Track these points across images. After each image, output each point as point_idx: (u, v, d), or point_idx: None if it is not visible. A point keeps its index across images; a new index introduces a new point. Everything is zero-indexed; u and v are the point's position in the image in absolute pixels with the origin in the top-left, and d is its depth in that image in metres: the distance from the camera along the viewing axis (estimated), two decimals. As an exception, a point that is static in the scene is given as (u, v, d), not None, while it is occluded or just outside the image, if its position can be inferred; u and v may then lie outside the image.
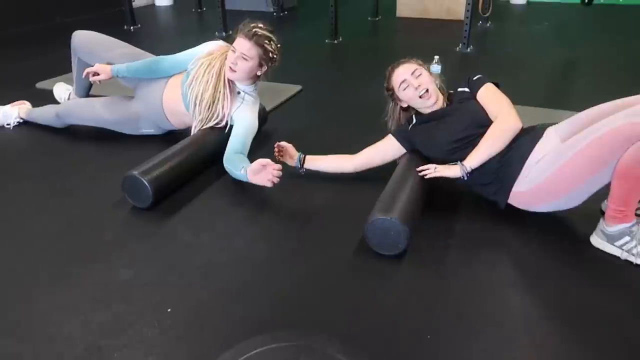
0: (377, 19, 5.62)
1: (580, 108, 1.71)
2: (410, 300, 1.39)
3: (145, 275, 1.50)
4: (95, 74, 2.30)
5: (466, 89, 1.88)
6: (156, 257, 1.58)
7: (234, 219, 1.80)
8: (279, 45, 2.14)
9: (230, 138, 2.08)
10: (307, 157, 1.99)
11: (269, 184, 1.75)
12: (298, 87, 3.21)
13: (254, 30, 2.04)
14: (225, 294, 1.43)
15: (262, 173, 1.77)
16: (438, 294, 1.42)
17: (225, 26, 4.88)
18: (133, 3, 5.33)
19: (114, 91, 2.52)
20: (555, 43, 4.43)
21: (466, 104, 1.81)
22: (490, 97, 1.78)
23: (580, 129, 1.58)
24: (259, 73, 2.14)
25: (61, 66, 3.21)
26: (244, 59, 2.04)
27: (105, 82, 2.32)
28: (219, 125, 2.17)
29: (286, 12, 6.08)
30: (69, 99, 2.69)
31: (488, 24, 5.09)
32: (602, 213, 1.58)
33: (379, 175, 1.94)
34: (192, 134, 2.19)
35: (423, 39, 4.76)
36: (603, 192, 1.54)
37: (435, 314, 1.34)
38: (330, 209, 1.85)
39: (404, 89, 1.85)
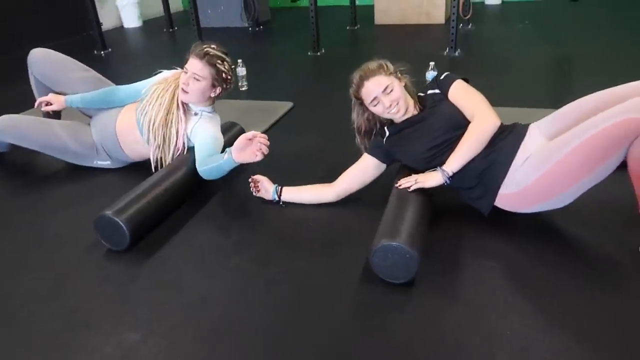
0: (356, 27, 5.51)
1: None
2: (425, 336, 1.25)
3: (131, 342, 1.30)
4: (48, 103, 2.19)
5: (436, 91, 1.78)
6: (143, 312, 1.38)
7: (221, 254, 1.64)
8: (232, 67, 2.06)
9: (196, 148, 1.94)
10: (284, 188, 1.86)
11: (258, 157, 1.66)
12: (290, 104, 3.04)
13: (205, 49, 1.95)
14: (220, 339, 1.27)
15: (249, 148, 1.68)
16: (453, 323, 1.28)
17: (202, 45, 4.69)
18: (102, 27, 5.10)
19: (72, 117, 2.35)
20: (539, 41, 4.38)
21: (439, 106, 1.72)
22: (462, 95, 1.70)
23: (565, 124, 1.53)
24: (212, 94, 2.04)
25: (25, 101, 2.92)
26: (196, 79, 1.95)
27: (47, 107, 2.21)
28: (178, 152, 2.02)
29: (262, 27, 5.93)
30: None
31: (469, 26, 5.03)
32: None
33: (374, 192, 1.81)
34: (152, 163, 2.04)
35: (407, 45, 4.66)
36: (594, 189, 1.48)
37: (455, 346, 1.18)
38: (326, 234, 1.70)
39: (375, 105, 1.74)
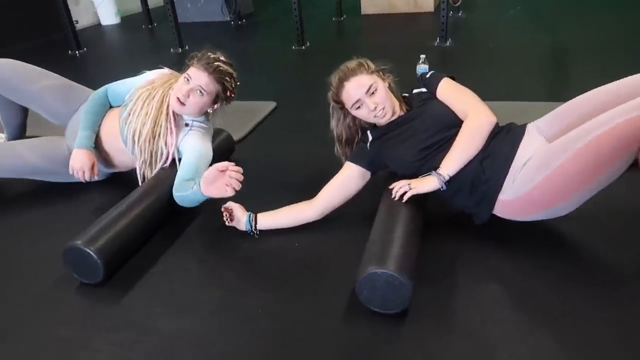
0: (342, 18, 5.31)
1: None
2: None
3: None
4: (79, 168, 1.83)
5: (423, 90, 1.63)
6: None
7: (196, 288, 1.45)
8: (238, 84, 1.84)
9: (181, 166, 1.74)
10: (259, 215, 1.63)
11: (228, 192, 1.44)
12: (272, 104, 2.85)
13: (215, 64, 1.72)
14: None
15: (219, 181, 1.46)
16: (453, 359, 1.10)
17: (181, 41, 4.48)
18: (76, 25, 4.87)
19: (45, 131, 2.11)
20: (532, 27, 4.22)
21: (427, 105, 1.56)
22: (452, 93, 1.55)
23: (566, 124, 1.42)
24: (210, 110, 1.83)
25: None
26: (200, 92, 1.72)
27: (94, 170, 1.85)
28: (165, 165, 1.82)
29: (244, 20, 5.71)
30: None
31: (460, 14, 4.85)
32: None
33: (359, 205, 1.64)
34: (138, 179, 1.84)
35: (395, 35, 4.47)
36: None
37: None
38: (309, 259, 1.52)
39: (357, 108, 1.56)
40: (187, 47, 4.47)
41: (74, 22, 4.79)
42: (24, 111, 2.16)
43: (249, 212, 1.63)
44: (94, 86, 2.04)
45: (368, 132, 1.64)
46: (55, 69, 2.12)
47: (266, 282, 1.44)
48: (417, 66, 2.80)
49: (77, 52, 4.71)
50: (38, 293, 1.47)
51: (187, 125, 1.83)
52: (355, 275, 1.25)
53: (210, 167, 1.49)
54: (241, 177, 1.45)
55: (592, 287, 1.29)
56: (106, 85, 1.95)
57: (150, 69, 1.96)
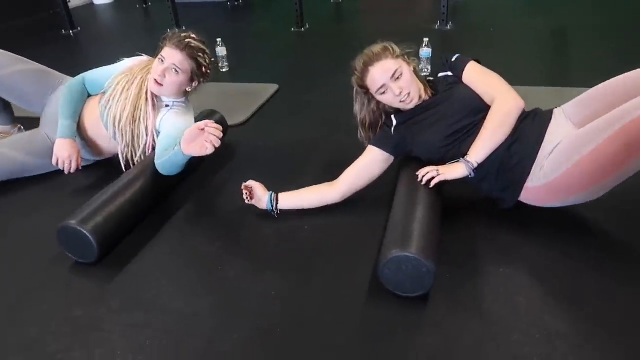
0: (340, 0, 5.25)
1: (583, 83, 1.46)
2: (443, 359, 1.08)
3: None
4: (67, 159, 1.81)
5: (448, 73, 1.61)
6: (119, 336, 1.21)
7: (204, 267, 1.45)
8: (212, 59, 1.85)
9: (159, 140, 1.74)
10: (281, 195, 1.62)
11: (208, 149, 1.43)
12: (275, 87, 2.82)
13: (186, 41, 1.73)
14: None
15: (199, 139, 1.46)
16: (473, 343, 1.11)
17: (178, 22, 4.40)
18: (69, 3, 4.76)
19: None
20: (534, 11, 4.20)
21: (454, 90, 1.54)
22: (479, 77, 1.53)
23: (595, 109, 1.38)
24: (188, 89, 1.83)
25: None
26: (175, 71, 1.73)
27: (78, 160, 1.83)
28: (148, 149, 1.82)
29: (241, 1, 5.62)
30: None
31: (459, -3, 4.82)
32: None
33: (376, 189, 1.63)
34: (121, 163, 1.84)
35: (395, 18, 4.43)
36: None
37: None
38: (325, 241, 1.52)
39: (382, 93, 1.55)
40: (183, 28, 4.39)
41: (67, 1, 4.69)
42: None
43: (271, 192, 1.63)
44: (89, 66, 2.01)
45: (392, 116, 1.62)
46: (49, 48, 2.10)
47: (280, 263, 1.44)
48: (420, 50, 2.79)
49: (70, 31, 4.61)
50: (36, 273, 1.46)
51: (167, 106, 1.83)
52: (380, 254, 1.26)
53: (190, 127, 1.49)
54: (220, 134, 1.44)
55: (611, 275, 1.30)
56: (82, 75, 1.94)
57: (147, 50, 1.96)
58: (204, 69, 1.80)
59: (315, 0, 5.25)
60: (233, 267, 1.43)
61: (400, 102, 1.54)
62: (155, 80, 1.73)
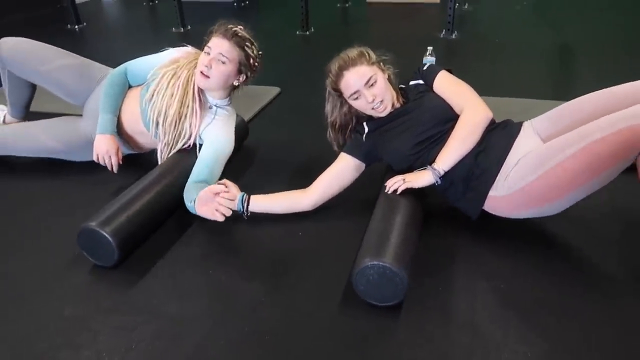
0: (347, 5, 5.25)
1: None
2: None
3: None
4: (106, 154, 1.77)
5: (420, 82, 1.61)
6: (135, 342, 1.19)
7: (197, 271, 1.43)
8: (260, 52, 1.77)
9: (196, 162, 1.70)
10: (252, 197, 1.59)
11: (217, 217, 1.43)
12: (277, 90, 2.82)
13: (233, 30, 1.67)
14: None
15: (211, 204, 1.45)
16: (447, 353, 1.10)
17: (183, 20, 4.40)
18: (76, -1, 4.77)
19: (56, 107, 2.06)
20: (539, 23, 4.19)
21: (424, 98, 1.55)
22: (448, 87, 1.54)
23: (563, 126, 1.42)
24: (235, 83, 1.77)
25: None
26: (221, 61, 1.66)
27: (119, 155, 1.79)
28: (185, 147, 1.78)
29: (247, 2, 5.62)
30: (4, 121, 2.21)
31: (465, 6, 4.81)
32: None
33: (359, 195, 1.62)
34: (159, 161, 1.80)
35: (401, 25, 4.42)
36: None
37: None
38: (309, 247, 1.51)
39: (355, 99, 1.54)
40: (189, 27, 4.40)
41: (74, -4, 4.70)
42: (32, 92, 2.11)
43: (243, 192, 1.60)
44: (95, 61, 2.00)
45: (364, 123, 1.62)
46: (55, 43, 2.07)
47: (271, 269, 1.43)
48: (424, 58, 2.77)
49: (76, 26, 4.63)
50: (47, 271, 1.45)
51: (211, 108, 1.79)
52: (352, 266, 1.25)
53: (206, 188, 1.48)
54: (232, 205, 1.43)
55: (587, 285, 1.30)
56: (125, 64, 1.88)
57: (153, 48, 1.91)
58: (251, 60, 1.73)
59: (322, 4, 5.25)
60: (224, 272, 1.42)
61: (372, 109, 1.54)
62: (201, 72, 1.67)
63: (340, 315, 1.25)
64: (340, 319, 1.24)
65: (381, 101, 1.52)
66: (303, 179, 1.68)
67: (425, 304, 1.26)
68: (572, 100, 1.48)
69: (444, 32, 3.84)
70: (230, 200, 1.45)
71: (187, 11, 4.47)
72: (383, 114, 1.56)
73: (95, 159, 1.79)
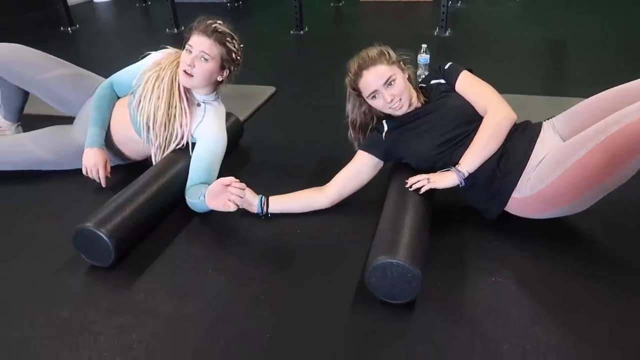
0: (340, 4, 5.26)
1: (577, 93, 1.46)
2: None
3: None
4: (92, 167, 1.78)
5: (441, 81, 1.61)
6: (132, 343, 1.19)
7: (198, 271, 1.43)
8: (241, 46, 1.78)
9: (193, 164, 1.70)
10: (271, 199, 1.61)
11: (230, 207, 1.41)
12: (272, 89, 2.82)
13: (213, 26, 1.67)
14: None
15: (223, 195, 1.44)
16: (461, 353, 1.11)
17: (177, 21, 4.39)
18: (68, 0, 4.74)
19: (49, 109, 2.05)
20: (531, 21, 4.21)
21: (447, 98, 1.54)
22: (471, 87, 1.53)
23: (581, 123, 1.40)
24: (219, 78, 1.77)
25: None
26: (204, 59, 1.67)
27: (107, 168, 1.81)
28: (179, 146, 1.79)
29: (240, 3, 5.62)
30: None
31: (459, 4, 4.83)
32: None
33: (366, 194, 1.62)
34: (154, 163, 1.80)
35: (394, 23, 4.44)
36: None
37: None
38: (315, 246, 1.51)
39: (373, 98, 1.54)
40: (182, 28, 4.38)
41: (66, -2, 4.68)
42: (26, 97, 2.10)
43: (261, 195, 1.61)
44: (88, 65, 1.99)
45: (384, 121, 1.62)
46: (47, 45, 2.07)
47: (271, 268, 1.43)
48: (419, 56, 2.79)
49: (69, 28, 4.61)
50: (44, 273, 1.45)
51: (199, 105, 1.79)
52: (367, 261, 1.25)
53: (216, 181, 1.47)
54: (243, 194, 1.44)
55: (599, 283, 1.30)
56: (110, 77, 1.89)
57: (146, 49, 1.90)
58: (233, 55, 1.73)
59: (316, 4, 5.26)
60: (223, 271, 1.42)
61: (390, 108, 1.54)
62: (184, 71, 1.67)
63: (340, 314, 1.25)
64: (340, 318, 1.24)
65: (399, 100, 1.52)
66: (299, 177, 1.69)
67: (435, 302, 1.27)
68: (589, 99, 1.47)
69: (437, 30, 3.86)
70: (241, 189, 1.44)
71: (181, 11, 4.46)
72: (399, 112, 1.56)
73: (84, 172, 1.80)
